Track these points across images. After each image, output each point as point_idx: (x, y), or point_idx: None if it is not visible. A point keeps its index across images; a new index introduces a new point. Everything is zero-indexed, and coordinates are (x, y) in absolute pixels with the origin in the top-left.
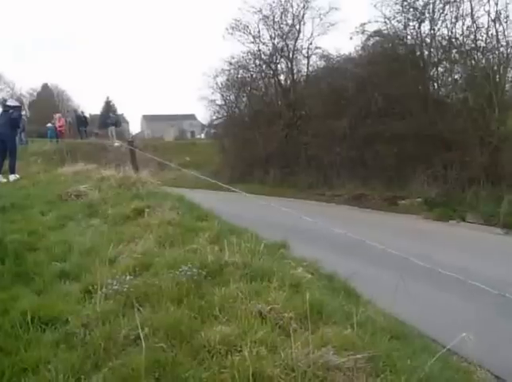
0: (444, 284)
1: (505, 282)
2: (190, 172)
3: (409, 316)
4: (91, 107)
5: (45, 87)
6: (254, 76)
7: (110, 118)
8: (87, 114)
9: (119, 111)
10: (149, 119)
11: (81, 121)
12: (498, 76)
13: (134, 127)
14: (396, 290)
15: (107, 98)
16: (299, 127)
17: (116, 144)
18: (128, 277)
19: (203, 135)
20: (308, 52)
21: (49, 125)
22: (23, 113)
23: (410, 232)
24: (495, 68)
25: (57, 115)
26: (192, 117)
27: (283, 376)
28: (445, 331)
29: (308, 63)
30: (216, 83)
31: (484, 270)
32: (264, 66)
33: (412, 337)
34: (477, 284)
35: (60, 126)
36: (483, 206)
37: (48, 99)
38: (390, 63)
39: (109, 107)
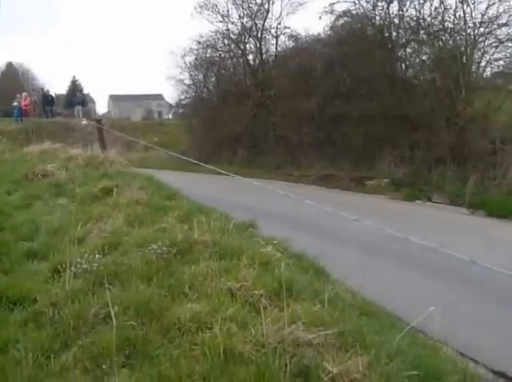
0: (411, 263)
1: (472, 259)
2: (163, 150)
3: (376, 294)
4: (57, 87)
5: (10, 65)
6: (222, 55)
7: (76, 97)
8: (53, 94)
9: (85, 91)
10: (115, 99)
11: (47, 100)
12: (465, 58)
13: (101, 107)
14: (364, 268)
15: (73, 77)
16: (267, 107)
17: (84, 122)
18: (97, 256)
19: (170, 115)
20: (276, 32)
21: (15, 104)
22: None
23: (377, 212)
24: (462, 49)
25: (23, 94)
26: (159, 97)
27: (254, 352)
28: (412, 309)
29: (276, 43)
30: (184, 63)
31: (451, 249)
32: (232, 45)
33: (380, 314)
34: (451, 252)
35: (25, 105)
36: (449, 186)
37: (12, 78)
38: (359, 43)
39: (75, 87)
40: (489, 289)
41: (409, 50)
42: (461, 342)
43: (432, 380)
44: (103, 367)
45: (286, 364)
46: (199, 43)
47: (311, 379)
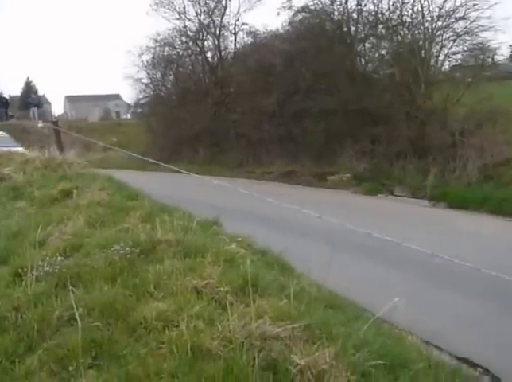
0: (375, 255)
1: (434, 252)
2: (122, 151)
3: (341, 287)
4: (10, 89)
5: None
6: (180, 53)
7: (31, 98)
8: (7, 96)
9: (40, 92)
10: (72, 100)
11: (1, 102)
12: (423, 52)
13: (57, 109)
14: (329, 262)
15: (27, 78)
16: (227, 105)
17: (40, 124)
18: (59, 258)
19: (129, 115)
20: (234, 29)
21: None
22: None
23: (340, 207)
24: (421, 43)
25: None
26: (117, 97)
27: (221, 348)
28: (376, 300)
29: (235, 39)
30: (142, 62)
31: (413, 241)
32: (190, 43)
33: (345, 307)
34: (414, 247)
35: None
36: (411, 179)
37: None
38: (318, 39)
39: (29, 88)
40: (451, 280)
41: (367, 45)
42: (425, 331)
43: (398, 368)
44: (69, 369)
45: (254, 359)
46: (156, 41)
47: (279, 372)
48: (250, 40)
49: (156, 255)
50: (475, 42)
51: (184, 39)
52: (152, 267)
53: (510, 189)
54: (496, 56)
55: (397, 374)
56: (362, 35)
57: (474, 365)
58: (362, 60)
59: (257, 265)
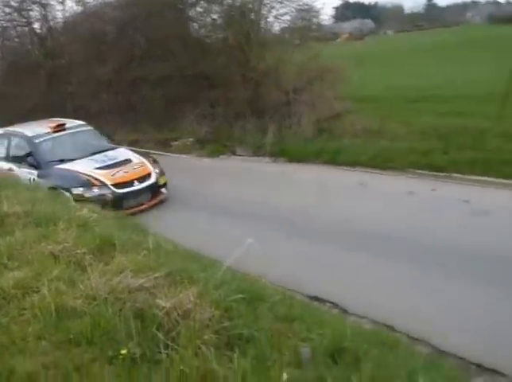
0: (221, 213)
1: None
2: None
3: (193, 242)
4: None
5: None
6: (4, 25)
7: None
8: None
9: None
10: None
11: None
12: (253, 14)
13: None
14: (178, 221)
15: None
16: (61, 76)
17: None
18: None
19: None
20: None
21: None
22: None
23: (184, 170)
24: (250, 6)
25: None
26: None
27: (86, 305)
28: (227, 252)
29: (63, 9)
30: None
31: (256, 192)
32: (15, 14)
33: (200, 257)
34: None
35: None
36: (251, 139)
37: None
38: (149, 5)
39: None
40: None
41: (199, 9)
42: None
43: (256, 301)
44: None
45: (121, 310)
46: None
47: (146, 318)
48: (79, 8)
49: (5, 228)
50: (300, 3)
51: (7, 10)
52: (2, 239)
53: (341, 140)
54: (321, 17)
55: (256, 306)
56: (193, 0)
57: (324, 301)
58: (195, 24)
59: (111, 227)
